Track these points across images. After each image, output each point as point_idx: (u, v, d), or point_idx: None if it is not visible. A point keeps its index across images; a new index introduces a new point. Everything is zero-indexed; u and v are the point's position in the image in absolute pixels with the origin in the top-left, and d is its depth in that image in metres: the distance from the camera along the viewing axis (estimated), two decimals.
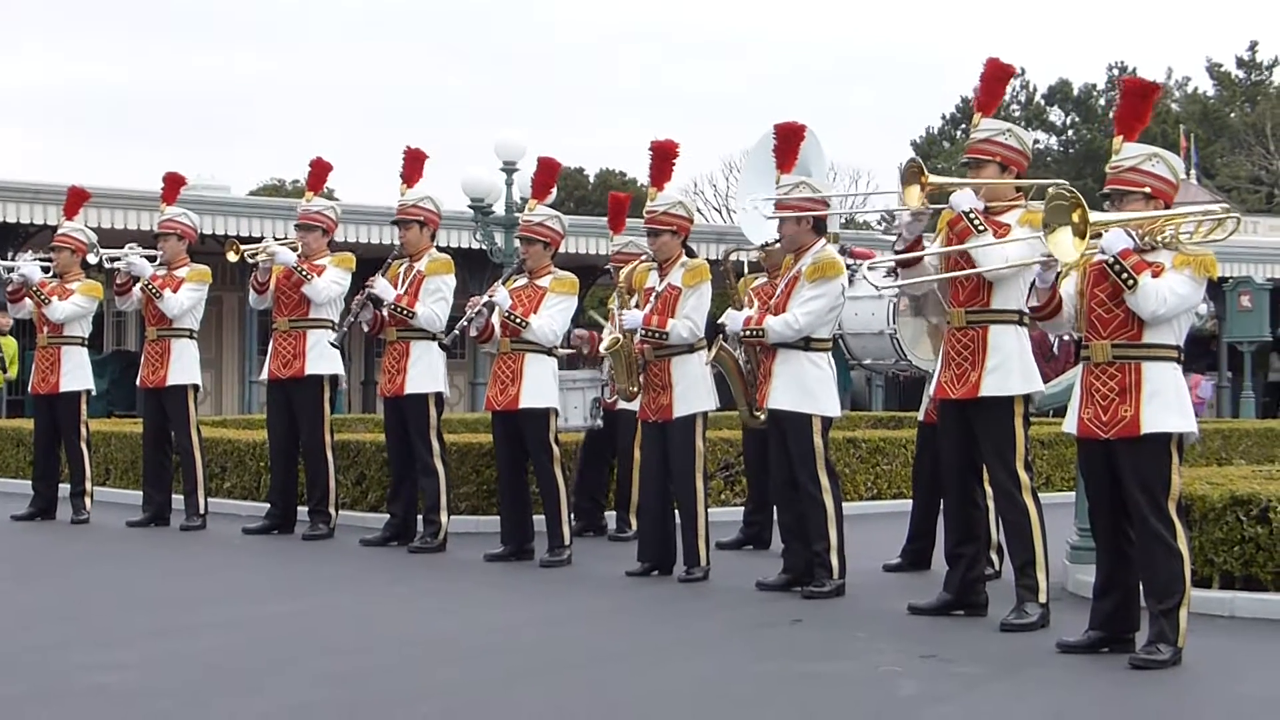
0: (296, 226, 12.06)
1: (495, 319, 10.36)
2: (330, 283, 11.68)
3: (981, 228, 7.98)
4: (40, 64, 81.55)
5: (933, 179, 8.06)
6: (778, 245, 9.72)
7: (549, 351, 10.44)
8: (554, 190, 11.05)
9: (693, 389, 9.69)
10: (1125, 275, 6.94)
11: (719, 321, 9.51)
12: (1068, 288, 7.38)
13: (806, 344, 9.05)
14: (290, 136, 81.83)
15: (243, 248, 11.97)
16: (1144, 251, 7.06)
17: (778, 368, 9.11)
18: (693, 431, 9.68)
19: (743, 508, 11.96)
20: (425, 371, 11.07)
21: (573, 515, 11.19)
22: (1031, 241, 7.67)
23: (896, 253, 8.44)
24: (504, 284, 10.49)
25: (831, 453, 9.23)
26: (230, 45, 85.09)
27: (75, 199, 13.21)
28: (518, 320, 10.27)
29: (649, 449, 9.91)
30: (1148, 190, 7.17)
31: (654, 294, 9.79)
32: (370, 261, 12.67)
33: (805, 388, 9.03)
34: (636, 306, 9.85)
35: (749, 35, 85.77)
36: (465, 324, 10.36)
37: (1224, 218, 7.25)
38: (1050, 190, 7.12)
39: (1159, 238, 7.11)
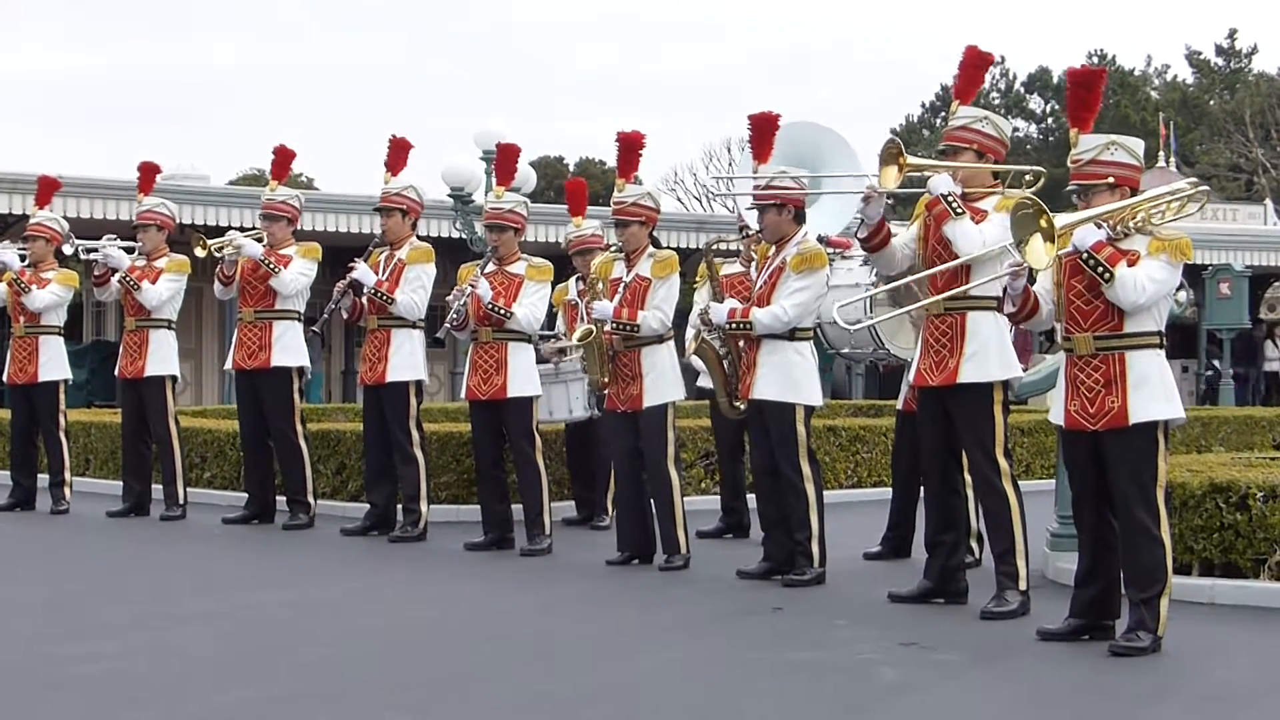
0: (261, 216, 12.03)
1: (469, 307, 10.37)
2: (297, 274, 11.65)
3: (960, 210, 7.99)
4: (19, 53, 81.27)
5: (911, 160, 8.07)
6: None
7: (529, 339, 10.47)
8: (517, 175, 11.01)
9: (663, 379, 9.69)
10: (1100, 269, 6.95)
11: (703, 312, 9.50)
12: (1044, 282, 7.39)
13: (791, 334, 9.07)
14: (270, 126, 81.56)
15: (209, 242, 11.91)
16: (1117, 240, 7.07)
17: (763, 358, 9.11)
18: (664, 420, 9.68)
19: (719, 496, 11.97)
20: (406, 360, 11.06)
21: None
22: (1009, 243, 7.64)
23: (860, 239, 8.45)
24: (481, 272, 10.47)
25: (812, 441, 9.24)
26: (209, 34, 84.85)
27: (46, 188, 13.17)
28: (502, 311, 10.27)
29: (620, 440, 9.92)
30: (1111, 180, 7.16)
31: (622, 285, 9.80)
32: (349, 250, 12.64)
33: (790, 377, 9.04)
34: (603, 296, 9.84)
35: (731, 20, 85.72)
36: (455, 317, 10.37)
37: (1192, 193, 7.25)
38: (1013, 202, 7.14)
39: (1131, 223, 7.12)
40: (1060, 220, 6.87)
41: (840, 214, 11.03)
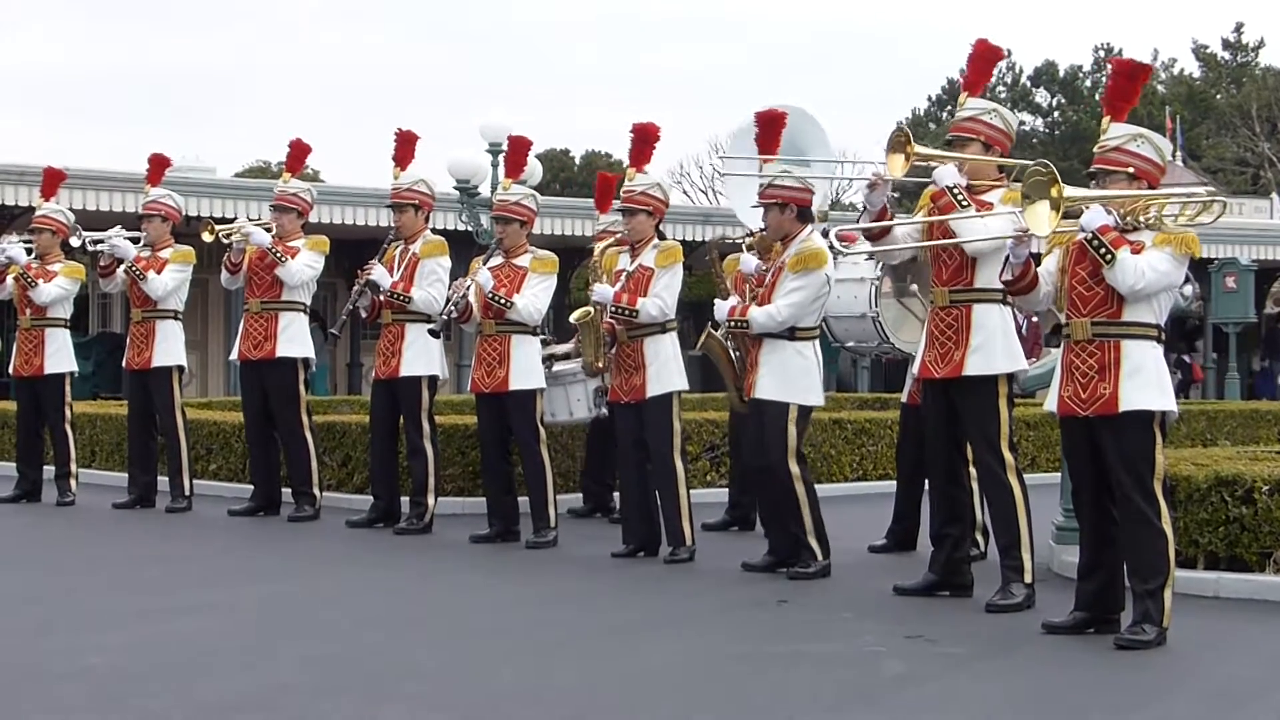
0: (272, 207, 12.07)
1: (474, 299, 10.38)
2: (304, 265, 11.67)
3: (965, 203, 7.99)
4: (22, 47, 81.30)
5: (919, 150, 8.07)
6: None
7: (533, 332, 10.46)
8: (526, 168, 11.03)
9: (666, 369, 9.70)
10: (1103, 250, 6.95)
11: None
12: (1049, 265, 7.40)
13: (792, 333, 9.03)
14: (276, 118, 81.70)
15: (217, 228, 11.94)
16: (1126, 231, 7.07)
17: (763, 357, 9.09)
18: (668, 411, 9.68)
19: (727, 489, 11.97)
20: (421, 354, 11.06)
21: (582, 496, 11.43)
22: (1014, 218, 7.66)
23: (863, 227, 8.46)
24: (484, 264, 10.48)
25: (816, 434, 9.26)
26: (211, 29, 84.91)
27: (52, 179, 13.17)
28: (502, 301, 10.27)
29: (624, 431, 9.92)
30: (1131, 170, 7.17)
31: (625, 274, 9.80)
32: (354, 243, 12.64)
33: (788, 377, 9.00)
34: (603, 280, 9.85)
35: (738, 15, 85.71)
36: (452, 309, 10.38)
37: (1210, 201, 7.24)
38: (1029, 166, 7.13)
39: (1142, 218, 7.12)
40: (1070, 192, 6.86)
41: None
